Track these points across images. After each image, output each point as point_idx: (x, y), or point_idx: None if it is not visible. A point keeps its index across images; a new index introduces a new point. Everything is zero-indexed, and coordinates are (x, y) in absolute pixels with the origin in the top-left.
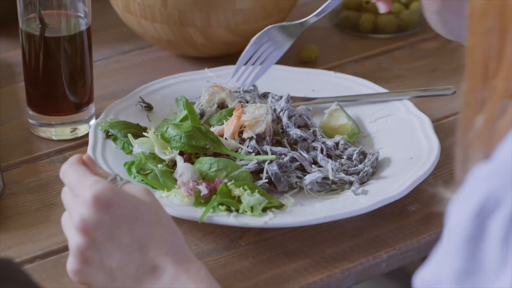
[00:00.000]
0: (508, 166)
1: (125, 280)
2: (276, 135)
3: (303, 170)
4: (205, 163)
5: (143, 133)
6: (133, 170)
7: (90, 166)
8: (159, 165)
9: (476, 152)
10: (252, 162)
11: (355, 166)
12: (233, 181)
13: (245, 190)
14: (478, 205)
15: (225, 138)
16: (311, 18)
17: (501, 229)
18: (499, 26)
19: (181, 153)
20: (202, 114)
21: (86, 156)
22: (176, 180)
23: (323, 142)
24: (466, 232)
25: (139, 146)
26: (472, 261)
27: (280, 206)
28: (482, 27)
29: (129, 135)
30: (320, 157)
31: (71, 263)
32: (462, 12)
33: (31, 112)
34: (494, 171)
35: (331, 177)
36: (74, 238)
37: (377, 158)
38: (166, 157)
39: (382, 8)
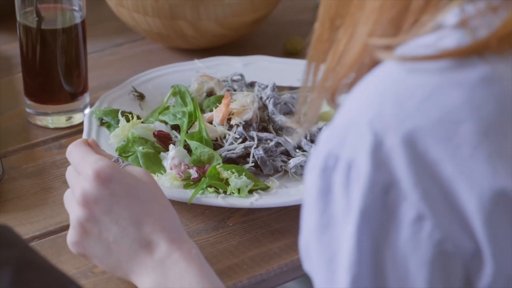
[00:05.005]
0: (342, 126)
1: (121, 253)
2: (262, 122)
3: (288, 155)
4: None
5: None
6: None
7: (94, 148)
8: (140, 148)
9: (316, 98)
10: (239, 146)
11: None
12: (221, 164)
13: (233, 173)
14: (322, 163)
15: (214, 125)
16: None
17: (341, 180)
18: None
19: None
20: None
21: (91, 139)
22: (160, 162)
23: None
24: (317, 189)
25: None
26: (325, 214)
27: (265, 188)
28: None
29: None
30: (304, 142)
31: (70, 235)
32: None
33: (28, 102)
34: (332, 132)
35: None
36: (75, 212)
37: None
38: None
39: None
